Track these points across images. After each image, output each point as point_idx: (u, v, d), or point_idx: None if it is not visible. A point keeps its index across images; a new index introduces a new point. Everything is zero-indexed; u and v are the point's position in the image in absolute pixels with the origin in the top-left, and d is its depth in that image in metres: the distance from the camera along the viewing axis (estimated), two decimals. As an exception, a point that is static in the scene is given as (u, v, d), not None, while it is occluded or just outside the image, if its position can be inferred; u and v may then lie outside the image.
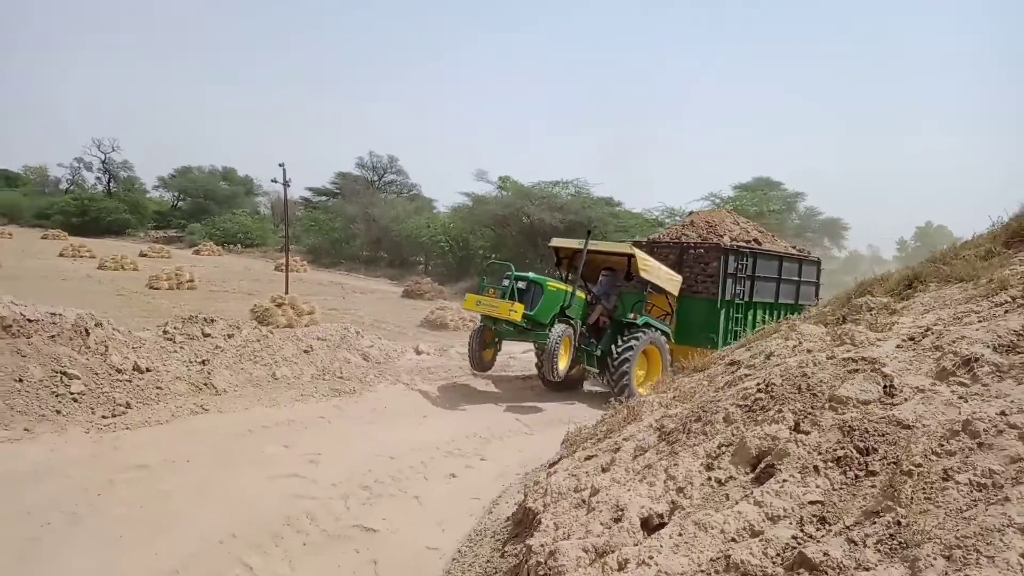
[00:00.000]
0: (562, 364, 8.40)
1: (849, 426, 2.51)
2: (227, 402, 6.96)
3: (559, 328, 8.35)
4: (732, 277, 10.56)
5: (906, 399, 2.58)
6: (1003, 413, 2.24)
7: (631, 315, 9.66)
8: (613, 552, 2.47)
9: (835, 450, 2.45)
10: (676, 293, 10.15)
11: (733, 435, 2.87)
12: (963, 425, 2.25)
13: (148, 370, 6.74)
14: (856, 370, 2.87)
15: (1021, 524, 1.82)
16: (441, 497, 5.06)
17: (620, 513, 2.78)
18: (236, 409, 6.82)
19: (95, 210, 44.72)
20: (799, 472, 2.44)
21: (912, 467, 2.21)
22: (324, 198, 44.80)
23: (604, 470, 3.29)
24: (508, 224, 27.82)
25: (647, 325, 9.48)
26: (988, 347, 2.65)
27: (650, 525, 2.66)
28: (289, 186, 19.35)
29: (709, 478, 2.73)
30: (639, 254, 9.43)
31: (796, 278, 11.77)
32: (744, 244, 11.27)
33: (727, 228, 11.89)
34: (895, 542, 1.98)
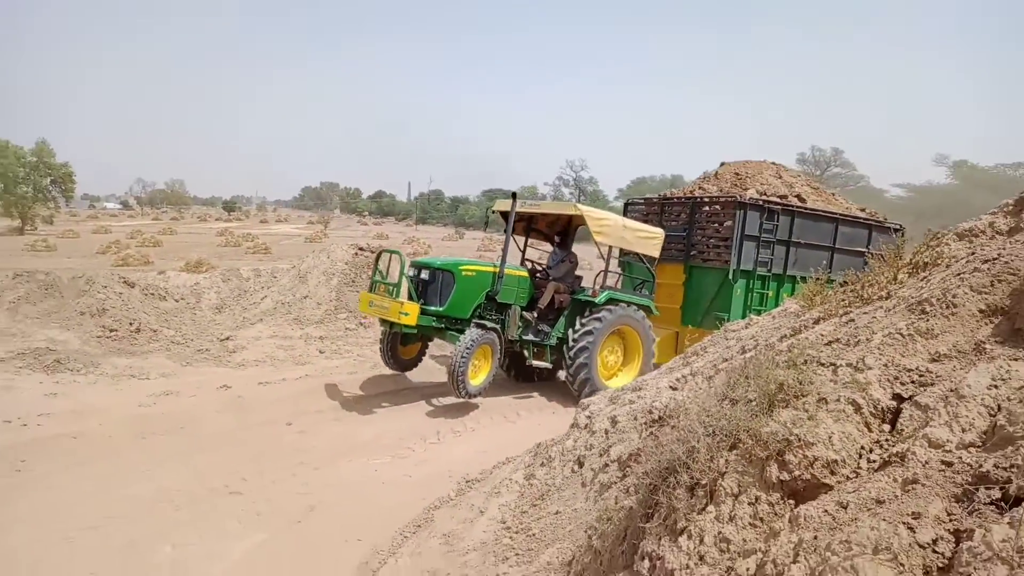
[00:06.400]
0: (477, 379, 7.35)
1: (710, 340, 5.22)
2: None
3: (472, 334, 7.18)
4: (754, 240, 8.91)
5: (749, 327, 5.09)
6: (783, 338, 4.76)
7: (590, 290, 8.44)
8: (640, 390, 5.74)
9: (698, 347, 5.22)
10: (656, 255, 8.64)
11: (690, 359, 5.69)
12: (754, 340, 4.84)
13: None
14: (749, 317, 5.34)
15: (739, 357, 4.64)
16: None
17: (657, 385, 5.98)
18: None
19: (569, 220, 57.31)
20: (695, 357, 5.30)
21: (710, 351, 4.97)
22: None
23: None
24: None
25: (612, 301, 8.17)
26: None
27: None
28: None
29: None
30: (588, 212, 8.04)
31: (863, 248, 9.32)
32: (776, 199, 9.41)
33: (762, 181, 10.01)
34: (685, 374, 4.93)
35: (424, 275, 7.71)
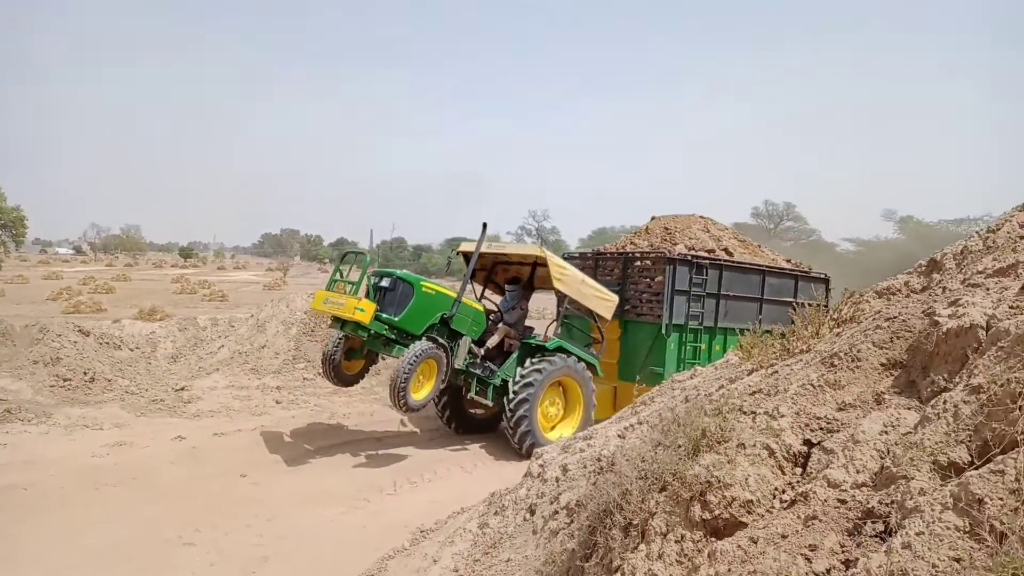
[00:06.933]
0: (419, 394, 7.08)
1: (658, 390, 5.51)
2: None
3: (420, 345, 7.00)
4: (684, 295, 9.14)
5: (693, 378, 5.40)
6: (720, 387, 5.05)
7: (540, 336, 8.49)
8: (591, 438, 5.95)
9: (646, 397, 5.50)
10: (608, 316, 8.66)
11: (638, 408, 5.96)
12: (696, 390, 5.13)
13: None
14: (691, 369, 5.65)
15: (681, 406, 4.89)
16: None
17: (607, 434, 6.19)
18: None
19: (530, 269, 58.18)
20: (643, 407, 5.56)
21: (657, 400, 5.24)
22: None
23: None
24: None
25: (561, 350, 8.15)
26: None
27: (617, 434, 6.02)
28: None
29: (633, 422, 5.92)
30: (552, 259, 8.07)
31: (791, 299, 9.31)
32: (704, 254, 9.81)
33: (691, 236, 10.44)
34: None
35: (385, 283, 7.62)
